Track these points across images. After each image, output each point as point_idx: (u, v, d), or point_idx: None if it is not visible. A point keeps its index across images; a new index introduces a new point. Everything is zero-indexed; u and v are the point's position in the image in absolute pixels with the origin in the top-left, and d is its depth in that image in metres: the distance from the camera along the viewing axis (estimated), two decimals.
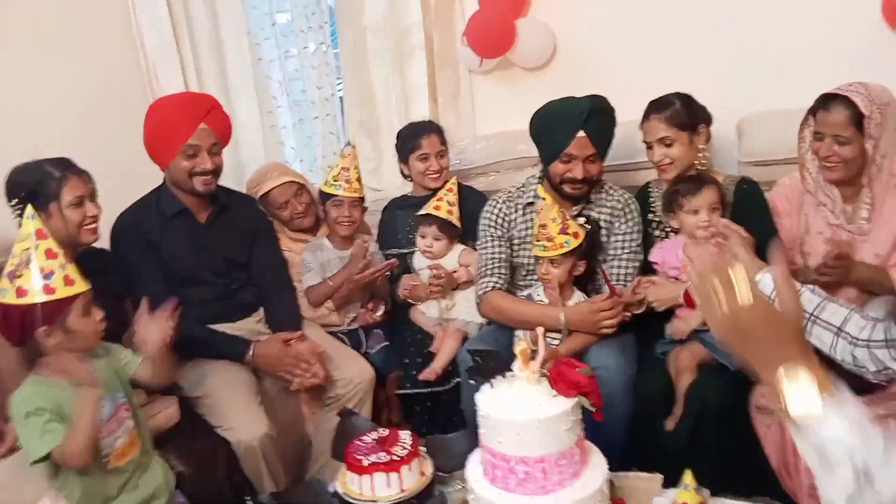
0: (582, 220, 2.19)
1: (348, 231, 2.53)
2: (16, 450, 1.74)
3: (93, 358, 1.68)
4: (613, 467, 1.54)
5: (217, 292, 2.32)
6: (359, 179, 2.51)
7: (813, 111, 2.00)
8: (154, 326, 1.76)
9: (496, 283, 2.26)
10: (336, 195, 2.48)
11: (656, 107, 2.18)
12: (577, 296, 2.19)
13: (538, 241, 2.11)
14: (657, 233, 2.29)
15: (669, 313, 2.12)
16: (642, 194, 2.37)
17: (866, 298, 1.89)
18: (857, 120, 1.88)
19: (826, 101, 1.94)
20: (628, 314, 2.10)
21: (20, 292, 1.52)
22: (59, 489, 1.60)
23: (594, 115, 2.12)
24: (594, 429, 1.53)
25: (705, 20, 2.62)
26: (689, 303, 2.01)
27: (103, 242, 2.18)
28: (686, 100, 2.17)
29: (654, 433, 1.97)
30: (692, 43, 2.62)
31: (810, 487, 1.80)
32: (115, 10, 2.95)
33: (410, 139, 2.62)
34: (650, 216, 2.31)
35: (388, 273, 2.57)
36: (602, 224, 2.25)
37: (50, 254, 1.56)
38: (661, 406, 1.99)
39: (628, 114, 2.22)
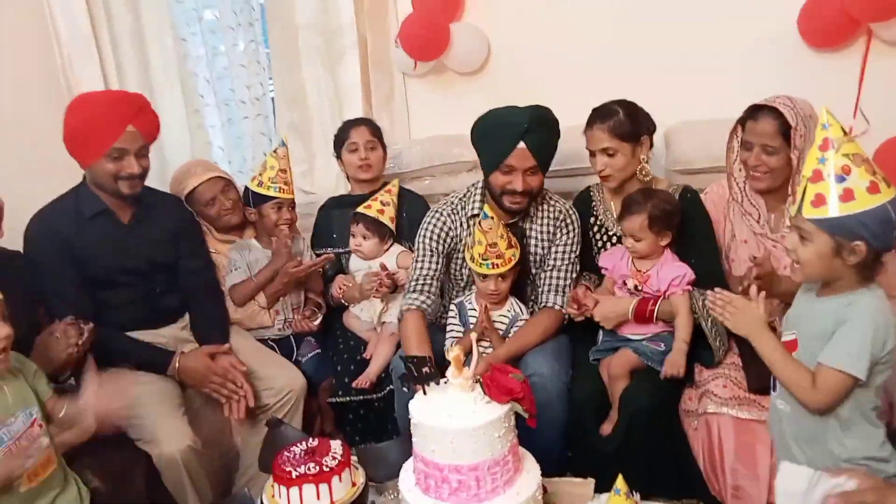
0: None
1: (290, 234, 2.47)
2: None
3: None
4: (548, 472, 1.55)
5: (139, 295, 2.21)
6: (292, 180, 2.48)
7: (742, 121, 2.07)
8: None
9: (422, 303, 2.18)
10: (277, 197, 2.41)
11: (600, 116, 2.12)
12: (510, 302, 2.19)
13: (486, 259, 2.05)
14: (598, 237, 2.29)
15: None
16: (584, 198, 2.35)
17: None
18: (784, 131, 1.95)
19: (755, 111, 2.01)
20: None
21: None
22: None
23: (535, 127, 2.06)
24: (529, 434, 1.52)
25: (635, 29, 2.68)
26: (639, 318, 2.02)
27: (16, 244, 2.06)
28: (630, 108, 2.11)
29: (588, 438, 1.99)
30: (623, 51, 2.68)
31: (734, 488, 1.85)
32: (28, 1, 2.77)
33: (342, 132, 2.64)
34: (592, 220, 2.31)
35: (321, 273, 2.53)
36: (543, 235, 2.23)
37: None
38: (594, 411, 2.01)
39: (561, 120, 2.23)
